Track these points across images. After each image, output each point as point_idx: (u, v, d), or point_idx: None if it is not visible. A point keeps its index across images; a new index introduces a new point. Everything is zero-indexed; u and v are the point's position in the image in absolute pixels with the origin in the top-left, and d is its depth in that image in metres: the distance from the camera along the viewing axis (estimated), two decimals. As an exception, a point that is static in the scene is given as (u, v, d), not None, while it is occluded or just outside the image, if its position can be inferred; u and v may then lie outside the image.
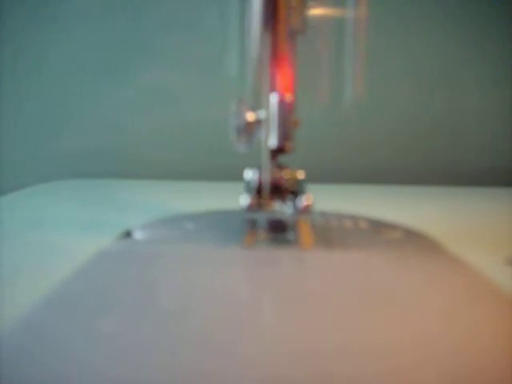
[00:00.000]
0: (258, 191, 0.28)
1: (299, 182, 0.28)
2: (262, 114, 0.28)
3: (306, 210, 0.28)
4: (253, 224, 0.30)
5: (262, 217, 0.31)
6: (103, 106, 0.58)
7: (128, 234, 0.28)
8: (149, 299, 0.20)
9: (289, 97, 0.27)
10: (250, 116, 0.28)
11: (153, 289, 0.21)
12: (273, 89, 0.28)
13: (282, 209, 0.29)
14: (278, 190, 0.28)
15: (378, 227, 0.30)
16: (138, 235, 0.28)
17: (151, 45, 0.57)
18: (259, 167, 0.29)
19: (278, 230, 0.29)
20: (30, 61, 0.57)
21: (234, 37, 0.30)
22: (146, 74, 0.57)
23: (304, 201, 0.28)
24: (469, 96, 0.57)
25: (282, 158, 0.29)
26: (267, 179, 0.28)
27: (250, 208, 0.28)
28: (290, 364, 0.15)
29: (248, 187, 0.29)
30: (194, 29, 0.56)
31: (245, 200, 0.28)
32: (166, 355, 0.15)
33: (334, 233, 0.29)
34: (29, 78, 0.58)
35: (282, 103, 0.27)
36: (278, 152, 0.28)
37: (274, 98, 0.28)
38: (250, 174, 0.29)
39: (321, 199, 0.29)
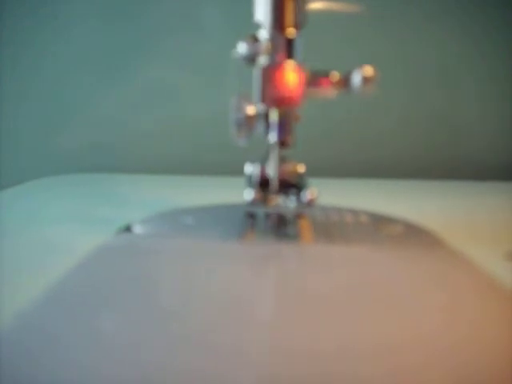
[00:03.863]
0: (262, 185, 0.28)
1: (301, 176, 0.28)
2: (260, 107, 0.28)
3: (311, 203, 0.28)
4: (253, 219, 0.30)
5: (262, 211, 0.31)
6: (103, 103, 0.58)
7: (128, 229, 0.28)
8: (148, 294, 0.20)
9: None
10: (250, 110, 0.28)
11: (152, 284, 0.21)
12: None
13: (285, 203, 0.29)
14: (282, 184, 0.28)
15: (378, 221, 0.30)
16: (138, 230, 0.28)
17: (151, 44, 0.57)
18: (262, 161, 0.29)
19: (279, 224, 0.29)
20: (30, 60, 0.57)
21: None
22: (146, 72, 0.57)
23: (308, 194, 0.28)
24: (469, 93, 0.57)
25: (282, 152, 0.29)
26: (272, 173, 0.28)
27: (254, 202, 0.28)
28: (290, 363, 0.15)
29: (249, 181, 0.29)
30: (194, 28, 0.56)
31: (249, 194, 0.28)
32: (164, 352, 0.15)
33: (334, 227, 0.29)
34: (29, 76, 0.58)
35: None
36: (278, 146, 0.28)
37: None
38: (250, 169, 0.29)
39: (321, 193, 0.29)
